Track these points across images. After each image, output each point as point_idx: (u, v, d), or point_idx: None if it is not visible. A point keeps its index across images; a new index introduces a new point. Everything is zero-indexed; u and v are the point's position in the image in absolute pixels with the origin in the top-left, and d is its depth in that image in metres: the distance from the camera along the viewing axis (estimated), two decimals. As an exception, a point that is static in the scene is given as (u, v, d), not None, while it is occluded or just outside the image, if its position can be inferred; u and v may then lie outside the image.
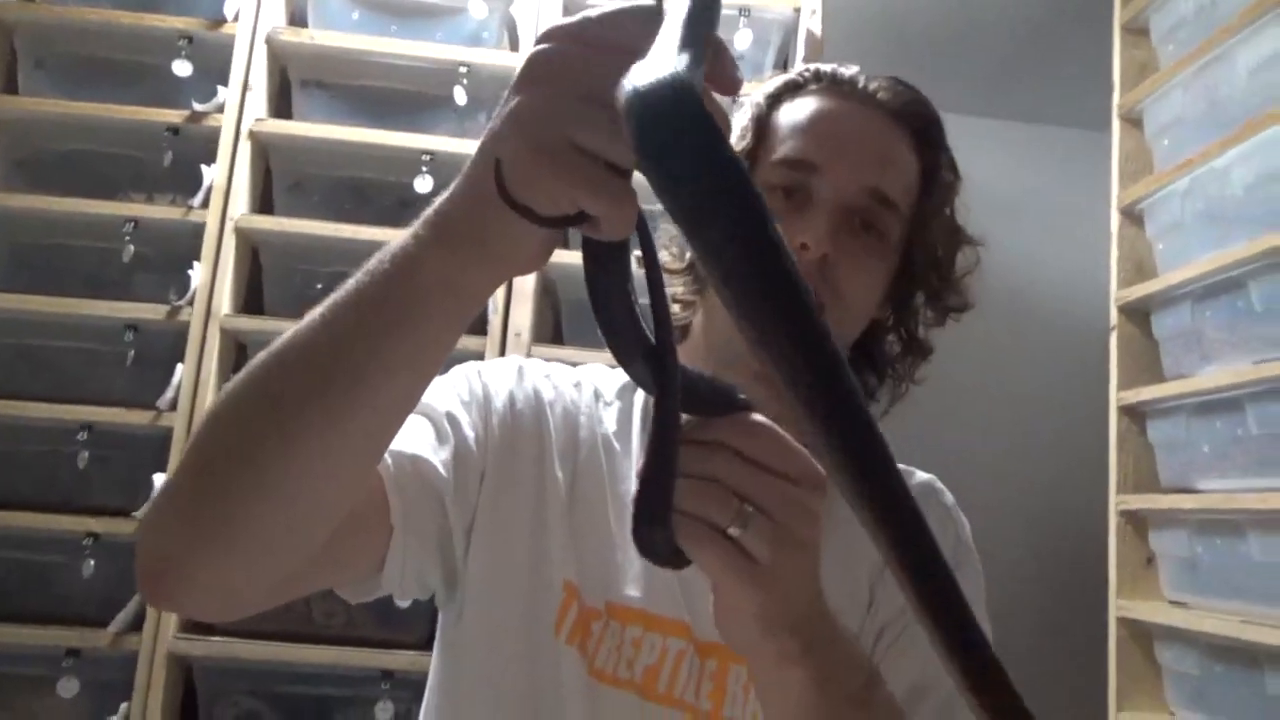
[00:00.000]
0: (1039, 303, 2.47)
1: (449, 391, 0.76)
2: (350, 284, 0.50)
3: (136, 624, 1.59)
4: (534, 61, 0.44)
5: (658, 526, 0.48)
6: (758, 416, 0.51)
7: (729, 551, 0.49)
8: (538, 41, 0.44)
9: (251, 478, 0.51)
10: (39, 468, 1.68)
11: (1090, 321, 1.92)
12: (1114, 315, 1.74)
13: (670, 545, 0.49)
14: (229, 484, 0.52)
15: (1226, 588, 1.44)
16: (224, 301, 1.70)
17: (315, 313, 0.51)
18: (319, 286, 0.50)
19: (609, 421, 0.79)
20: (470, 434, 0.73)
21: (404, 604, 1.59)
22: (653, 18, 0.43)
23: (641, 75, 0.37)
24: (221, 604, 0.63)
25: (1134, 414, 1.69)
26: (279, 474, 0.51)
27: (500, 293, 1.70)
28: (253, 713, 1.63)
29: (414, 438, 0.70)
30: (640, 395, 0.82)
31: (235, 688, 1.63)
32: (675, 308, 0.84)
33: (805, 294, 0.37)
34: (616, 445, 0.78)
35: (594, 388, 0.82)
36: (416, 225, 0.49)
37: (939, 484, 0.86)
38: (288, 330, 0.52)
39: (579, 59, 0.42)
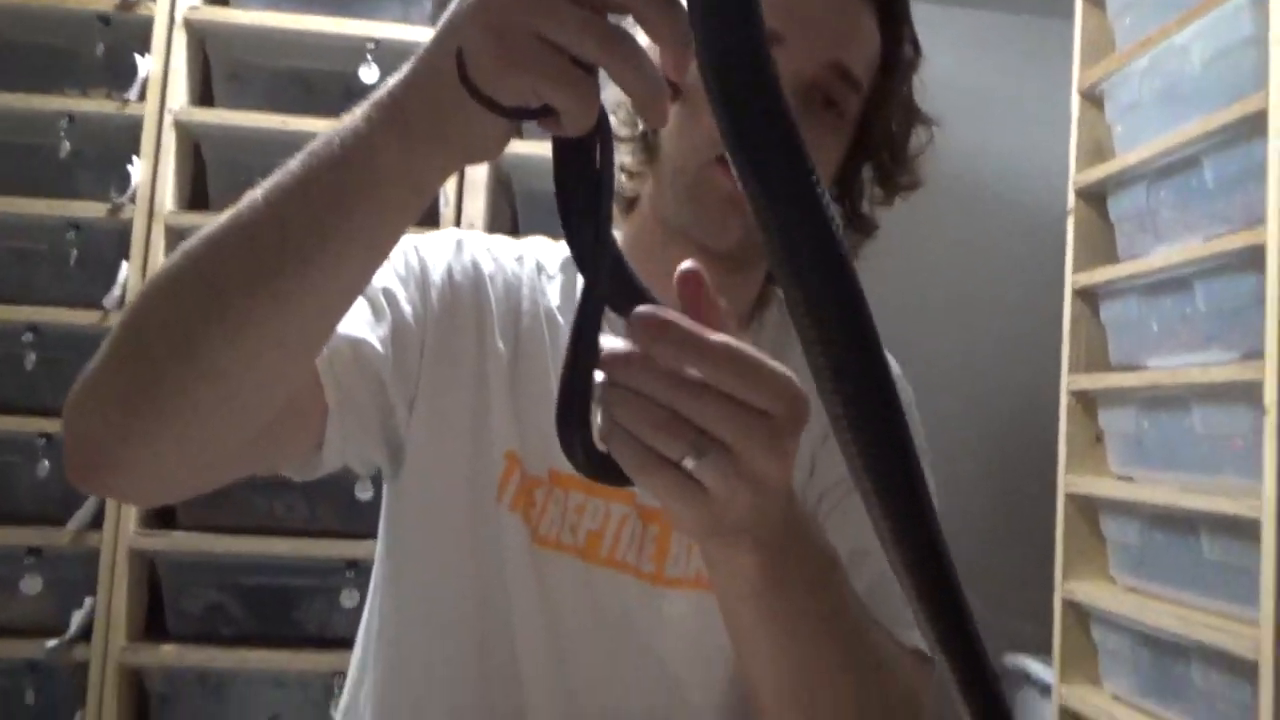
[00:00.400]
0: (999, 189, 2.47)
1: (385, 267, 0.74)
2: (295, 168, 0.49)
3: (96, 521, 1.59)
4: None
5: (576, 435, 0.46)
6: (723, 337, 0.45)
7: (679, 481, 0.45)
8: None
9: (191, 364, 0.50)
10: (-15, 371, 1.66)
11: (1049, 207, 1.93)
12: (1071, 199, 1.75)
13: (593, 459, 0.47)
14: (166, 370, 0.51)
15: (1170, 460, 1.48)
16: (167, 197, 1.65)
17: (256, 196, 0.49)
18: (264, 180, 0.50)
19: (553, 295, 0.79)
20: (408, 309, 0.72)
21: (365, 496, 1.61)
22: None
23: (730, 50, 0.38)
24: (154, 489, 0.64)
25: (1087, 296, 1.71)
26: (223, 360, 0.50)
27: (451, 184, 1.67)
28: (219, 605, 1.65)
29: (350, 316, 0.69)
30: None
31: (200, 581, 1.65)
32: (622, 178, 0.82)
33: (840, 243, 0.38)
34: (560, 319, 0.77)
35: (536, 261, 0.80)
36: (367, 109, 0.47)
37: (886, 353, 0.86)
38: (224, 215, 0.50)
39: None
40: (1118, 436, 1.63)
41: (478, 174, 1.68)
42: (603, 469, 0.47)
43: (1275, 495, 1.17)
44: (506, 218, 1.82)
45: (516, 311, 0.77)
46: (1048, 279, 1.82)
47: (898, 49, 0.79)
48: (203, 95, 1.77)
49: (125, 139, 1.67)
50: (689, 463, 0.45)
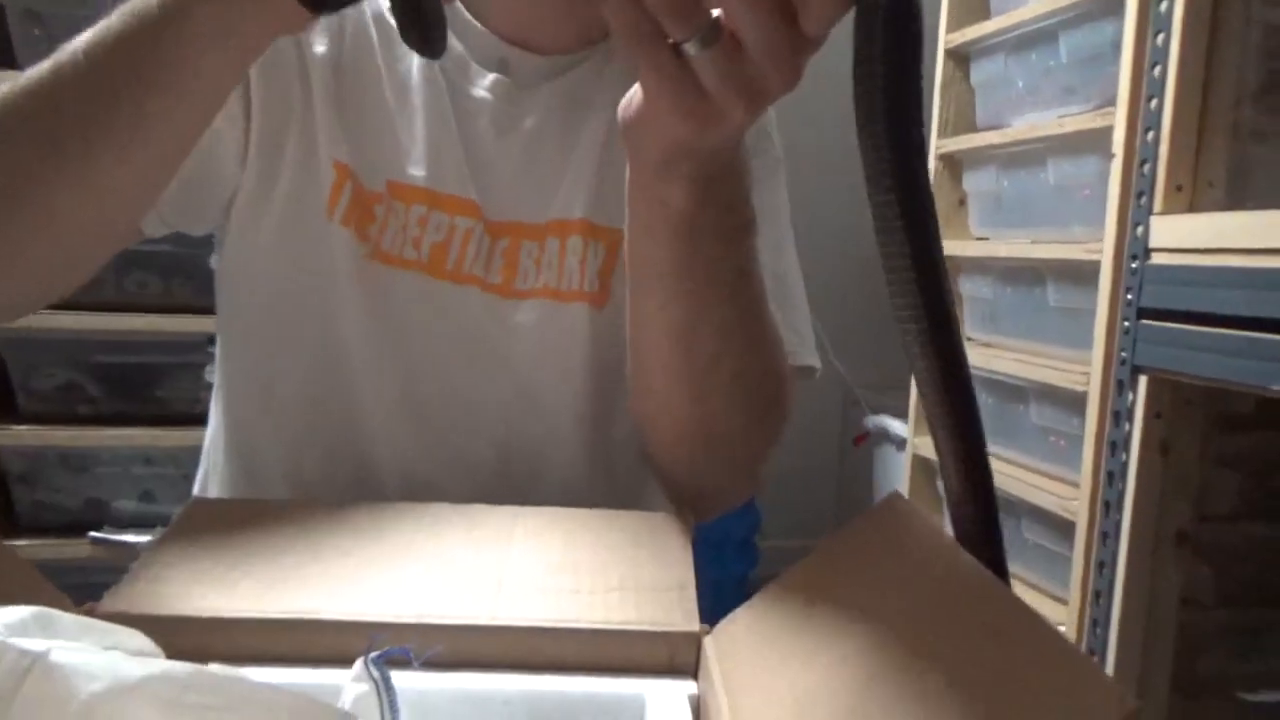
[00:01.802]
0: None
1: None
2: (115, 23, 0.49)
3: (-76, 299, 1.49)
4: None
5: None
6: None
7: (675, 68, 0.41)
8: None
9: (30, 217, 0.51)
10: None
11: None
12: (949, -45, 1.70)
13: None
14: (3, 226, 0.52)
15: (1025, 218, 1.53)
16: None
17: (76, 49, 0.50)
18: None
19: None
20: None
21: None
22: None
23: None
24: None
25: (958, 57, 1.70)
26: (61, 207, 0.52)
27: None
28: (74, 384, 1.59)
29: None
30: None
31: (50, 359, 1.58)
32: None
33: None
34: (392, 22, 0.72)
35: None
36: None
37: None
38: (42, 68, 0.51)
39: None
40: (979, 197, 1.66)
41: None
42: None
43: (1115, 236, 1.22)
44: None
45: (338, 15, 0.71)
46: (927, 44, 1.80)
47: None
48: None
49: None
50: (691, 49, 0.40)
